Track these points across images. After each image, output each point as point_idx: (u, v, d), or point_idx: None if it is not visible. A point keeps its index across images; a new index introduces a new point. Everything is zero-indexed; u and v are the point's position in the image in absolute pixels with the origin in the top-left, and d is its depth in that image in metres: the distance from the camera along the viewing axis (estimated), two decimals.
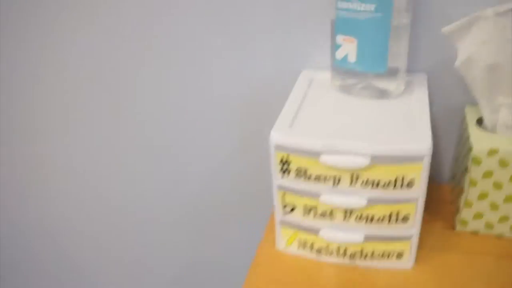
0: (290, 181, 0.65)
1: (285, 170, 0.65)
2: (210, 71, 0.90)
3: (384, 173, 0.61)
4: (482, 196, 0.70)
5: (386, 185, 0.61)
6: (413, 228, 0.65)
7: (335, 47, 0.71)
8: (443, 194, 0.84)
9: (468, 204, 0.72)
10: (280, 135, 0.63)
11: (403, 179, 0.61)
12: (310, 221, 0.68)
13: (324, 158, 0.61)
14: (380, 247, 0.67)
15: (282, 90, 0.77)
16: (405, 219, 0.64)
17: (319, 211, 0.66)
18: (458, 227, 0.75)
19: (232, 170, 1.01)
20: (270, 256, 0.73)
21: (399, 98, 0.71)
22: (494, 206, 0.71)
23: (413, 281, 0.67)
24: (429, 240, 0.73)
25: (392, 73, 0.70)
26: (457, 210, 0.74)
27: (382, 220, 0.65)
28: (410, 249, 0.67)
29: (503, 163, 0.66)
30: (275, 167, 0.65)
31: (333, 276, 0.69)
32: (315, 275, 0.69)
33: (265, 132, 0.64)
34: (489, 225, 0.73)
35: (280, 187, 0.67)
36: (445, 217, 0.79)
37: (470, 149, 0.68)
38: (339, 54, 0.71)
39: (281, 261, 0.72)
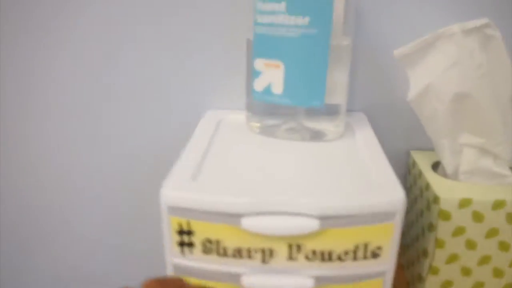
0: (194, 260, 0.42)
1: (186, 244, 0.41)
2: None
3: (339, 241, 0.40)
4: (452, 259, 0.53)
5: (342, 256, 0.41)
6: None
7: (253, 75, 0.51)
8: None
9: (434, 271, 0.54)
10: (175, 192, 0.40)
11: (366, 246, 0.40)
12: None
13: (248, 223, 0.39)
14: None
15: (177, 140, 0.54)
16: None
17: None
18: None
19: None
20: None
21: (339, 142, 0.52)
22: (466, 271, 0.53)
23: None
24: None
25: (330, 109, 0.51)
26: (418, 280, 0.56)
27: None
28: None
29: (477, 217, 0.50)
30: (170, 239, 0.41)
31: None
32: None
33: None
34: None
35: (179, 269, 0.43)
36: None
37: (434, 200, 0.50)
38: (259, 84, 0.50)
39: None
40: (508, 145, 0.51)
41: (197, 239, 0.41)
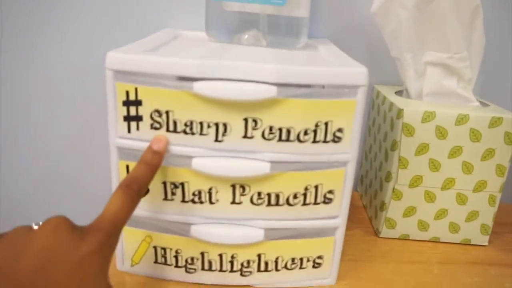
0: (140, 139, 0.38)
1: (132, 118, 0.38)
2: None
3: (298, 116, 0.37)
4: (415, 182, 0.51)
5: (302, 137, 0.38)
6: (340, 209, 0.41)
7: None
8: (352, 199, 0.63)
9: (397, 195, 0.51)
10: (123, 54, 0.37)
11: (326, 126, 0.38)
12: (175, 210, 0.40)
13: (201, 86, 0.36)
14: (290, 249, 0.42)
15: None
16: (331, 193, 0.40)
17: (192, 188, 0.39)
18: (384, 231, 0.53)
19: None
20: None
21: (301, 50, 0.50)
22: (429, 196, 0.51)
23: None
24: (349, 249, 0.50)
25: (293, 22, 0.49)
26: (381, 208, 0.53)
27: (295, 197, 0.40)
28: (333, 250, 0.43)
29: (440, 133, 0.48)
30: (115, 113, 0.38)
31: None
32: None
33: None
34: (423, 225, 0.53)
35: (123, 152, 0.39)
36: (363, 224, 0.57)
37: (398, 115, 0.49)
38: None
39: None
40: (471, 64, 0.51)
41: (145, 111, 0.37)
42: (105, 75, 0.37)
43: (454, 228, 0.53)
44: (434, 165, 0.50)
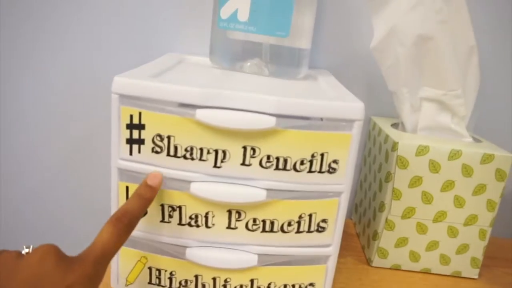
0: (142, 161, 0.39)
1: (135, 141, 0.39)
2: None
3: (297, 145, 0.38)
4: (408, 213, 0.52)
5: (299, 166, 0.39)
6: (333, 237, 0.42)
7: (219, 3, 0.50)
8: (346, 227, 0.64)
9: (390, 226, 0.52)
10: (129, 79, 0.38)
11: (322, 157, 0.39)
12: (171, 232, 0.41)
13: (203, 114, 0.37)
14: (283, 275, 0.43)
15: None
16: (324, 222, 0.41)
17: (189, 212, 0.40)
18: (376, 261, 0.54)
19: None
20: None
21: (301, 80, 0.52)
22: (421, 228, 0.52)
23: None
24: (341, 277, 0.51)
25: (294, 53, 0.51)
26: (373, 237, 0.54)
27: (289, 224, 0.41)
28: (324, 277, 0.44)
29: (434, 167, 0.49)
30: (119, 136, 0.39)
31: None
32: None
33: None
34: (414, 256, 0.53)
35: (124, 172, 0.40)
36: (356, 252, 0.58)
37: (393, 147, 0.50)
38: (225, 11, 0.50)
39: None
40: (465, 101, 0.52)
41: (147, 135, 0.38)
42: (110, 98, 0.38)
43: (444, 260, 0.53)
44: (427, 198, 0.51)
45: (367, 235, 0.57)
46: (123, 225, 0.34)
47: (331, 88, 0.46)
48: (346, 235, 0.61)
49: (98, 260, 0.32)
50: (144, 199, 0.37)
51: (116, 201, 0.41)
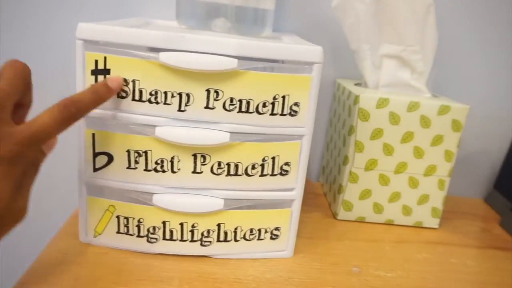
0: (108, 103, 0.39)
1: None
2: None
3: (258, 86, 0.40)
4: (371, 165, 0.54)
5: (261, 106, 0.40)
6: (296, 181, 0.44)
7: None
8: (314, 188, 0.66)
9: (354, 178, 0.54)
10: (93, 25, 0.39)
11: (284, 99, 0.40)
12: (138, 179, 0.42)
13: (167, 56, 0.38)
14: (248, 219, 0.44)
15: None
16: (287, 165, 0.43)
17: (155, 157, 0.41)
18: (341, 214, 0.56)
19: None
20: (67, 251, 0.43)
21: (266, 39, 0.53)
22: (384, 180, 0.54)
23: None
24: (307, 229, 0.53)
25: (258, 14, 0.52)
26: (338, 191, 0.56)
27: (253, 168, 0.42)
28: (289, 222, 0.45)
29: (394, 119, 0.51)
30: (83, 82, 0.39)
31: (175, 277, 0.42)
32: (143, 278, 0.41)
33: None
34: (378, 207, 0.55)
35: (90, 118, 0.40)
36: (323, 208, 0.60)
37: (355, 101, 0.52)
38: None
39: (86, 260, 0.43)
40: (424, 57, 0.54)
41: None
42: (75, 45, 0.39)
43: (406, 211, 0.56)
44: (388, 149, 0.53)
45: (333, 192, 0.59)
46: (69, 114, 0.32)
47: (293, 41, 0.48)
48: (314, 195, 0.64)
49: (25, 141, 0.29)
50: (98, 95, 0.36)
51: (84, 149, 0.41)
